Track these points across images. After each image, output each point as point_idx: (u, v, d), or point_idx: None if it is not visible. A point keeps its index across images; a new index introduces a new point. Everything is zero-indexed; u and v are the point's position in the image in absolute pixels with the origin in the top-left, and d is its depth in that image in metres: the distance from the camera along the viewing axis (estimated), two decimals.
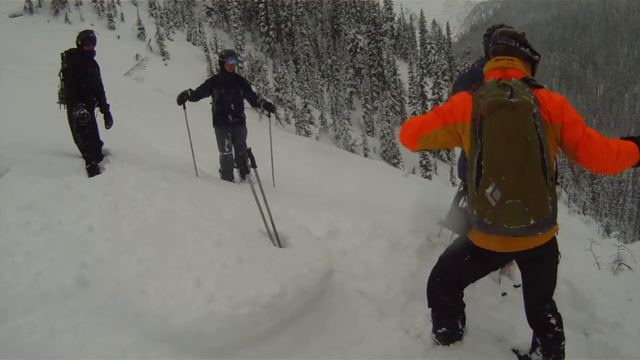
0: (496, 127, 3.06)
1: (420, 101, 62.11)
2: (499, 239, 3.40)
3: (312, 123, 57.00)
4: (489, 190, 3.10)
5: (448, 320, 4.18)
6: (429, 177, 48.38)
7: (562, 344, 3.91)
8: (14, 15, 50.11)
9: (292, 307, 4.44)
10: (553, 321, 3.89)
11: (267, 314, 4.20)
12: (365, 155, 48.93)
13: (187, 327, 3.90)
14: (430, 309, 4.22)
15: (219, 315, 3.99)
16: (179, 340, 3.88)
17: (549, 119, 3.23)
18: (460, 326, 4.23)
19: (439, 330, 4.23)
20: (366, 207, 8.37)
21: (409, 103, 64.21)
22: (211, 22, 69.32)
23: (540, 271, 3.77)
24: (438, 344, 4.30)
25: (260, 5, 69.74)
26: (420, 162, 53.19)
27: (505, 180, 3.06)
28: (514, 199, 3.07)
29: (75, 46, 7.68)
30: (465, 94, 3.41)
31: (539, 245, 3.47)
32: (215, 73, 9.71)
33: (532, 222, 3.11)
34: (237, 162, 9.19)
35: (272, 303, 4.25)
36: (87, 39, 7.61)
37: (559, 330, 3.90)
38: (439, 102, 59.39)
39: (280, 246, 5.48)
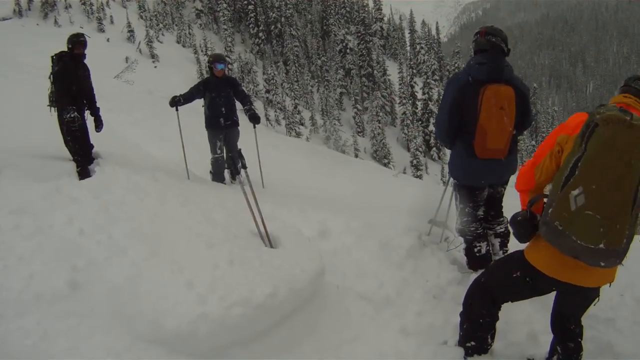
0: (607, 137, 2.94)
1: (410, 101, 62.18)
2: (553, 258, 3.29)
3: (302, 124, 56.97)
4: (575, 192, 2.99)
5: (479, 334, 4.06)
6: (420, 177, 48.42)
7: (581, 354, 3.88)
8: (3, 19, 50.00)
9: (284, 307, 4.46)
10: (577, 330, 3.87)
11: (259, 314, 4.22)
12: (356, 156, 48.92)
13: (179, 329, 3.91)
14: (460, 318, 4.13)
15: (212, 317, 4.00)
16: (172, 341, 3.89)
17: None
18: (489, 341, 4.10)
19: (467, 344, 4.10)
20: (357, 207, 8.40)
21: (399, 103, 64.33)
22: (201, 24, 69.19)
23: (576, 306, 3.76)
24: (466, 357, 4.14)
25: (250, 7, 69.64)
26: (411, 162, 53.29)
27: (595, 190, 2.95)
28: (594, 212, 2.95)
29: (65, 49, 7.66)
30: (583, 113, 3.32)
31: (588, 287, 3.42)
32: (206, 76, 9.74)
33: (601, 245, 2.97)
34: (227, 163, 9.23)
35: (264, 304, 4.26)
36: (77, 43, 7.58)
37: (580, 340, 3.88)
38: (429, 102, 59.53)
39: (271, 247, 5.50)
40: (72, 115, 7.35)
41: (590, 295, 3.59)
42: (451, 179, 5.76)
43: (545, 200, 3.35)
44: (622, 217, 2.98)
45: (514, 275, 3.62)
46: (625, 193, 2.95)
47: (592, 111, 3.15)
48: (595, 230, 2.97)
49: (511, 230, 3.66)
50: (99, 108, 8.09)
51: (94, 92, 8.05)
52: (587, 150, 2.98)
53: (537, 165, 3.52)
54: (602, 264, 3.09)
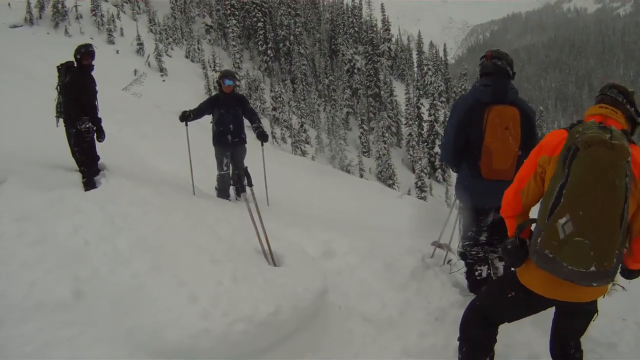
0: (590, 161, 2.97)
1: (416, 122, 62.30)
2: (546, 279, 3.29)
3: (308, 143, 57.07)
4: (562, 221, 3.00)
5: (477, 357, 3.99)
6: (425, 199, 48.33)
7: None
8: (15, 26, 50.29)
9: (287, 325, 4.46)
10: (577, 355, 3.83)
11: (261, 331, 4.21)
12: (361, 176, 48.89)
13: (181, 343, 3.90)
14: (458, 342, 4.06)
15: (214, 332, 3.99)
16: (173, 354, 3.87)
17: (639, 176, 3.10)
18: None
19: None
20: (361, 228, 8.40)
21: (405, 124, 64.45)
22: (210, 40, 69.53)
23: (576, 324, 3.73)
24: None
25: (259, 24, 69.98)
26: (416, 183, 53.18)
27: (582, 216, 2.96)
28: (583, 237, 2.96)
29: (72, 59, 7.67)
30: (561, 130, 3.34)
31: (583, 302, 3.42)
32: (214, 91, 9.80)
33: (592, 268, 2.98)
34: (233, 180, 9.24)
35: (267, 321, 4.26)
36: (86, 53, 7.59)
37: None
38: (435, 124, 59.60)
39: (275, 265, 5.49)
40: (87, 126, 7.43)
41: (589, 308, 3.58)
42: (457, 202, 5.77)
43: (532, 225, 3.39)
44: (612, 238, 2.98)
45: (509, 295, 3.62)
46: (613, 214, 2.96)
47: (571, 129, 3.19)
48: (585, 255, 2.98)
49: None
50: (101, 119, 8.08)
51: (97, 104, 8.06)
52: (571, 177, 3.00)
53: (521, 190, 3.51)
54: (595, 284, 3.12)
